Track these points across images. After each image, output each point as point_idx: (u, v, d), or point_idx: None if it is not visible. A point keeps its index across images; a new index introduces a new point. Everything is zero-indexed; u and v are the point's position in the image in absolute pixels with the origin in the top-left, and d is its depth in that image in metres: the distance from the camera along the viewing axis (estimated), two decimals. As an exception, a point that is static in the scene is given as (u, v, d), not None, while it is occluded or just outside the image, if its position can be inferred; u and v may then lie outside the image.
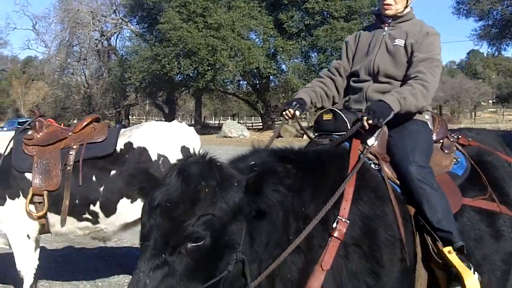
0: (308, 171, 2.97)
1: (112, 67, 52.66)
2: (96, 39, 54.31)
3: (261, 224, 2.66)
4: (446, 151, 3.58)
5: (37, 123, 5.53)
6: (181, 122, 6.36)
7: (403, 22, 3.65)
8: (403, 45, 3.54)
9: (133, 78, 43.47)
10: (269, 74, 44.89)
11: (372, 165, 3.24)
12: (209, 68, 39.73)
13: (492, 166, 3.64)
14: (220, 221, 2.46)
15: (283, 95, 44.74)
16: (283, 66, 45.26)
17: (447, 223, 3.10)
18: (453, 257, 3.02)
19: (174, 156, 5.01)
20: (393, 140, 3.35)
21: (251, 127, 51.53)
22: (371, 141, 3.27)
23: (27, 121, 5.79)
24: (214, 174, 2.54)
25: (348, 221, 2.86)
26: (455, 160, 3.55)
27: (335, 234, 2.82)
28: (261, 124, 50.08)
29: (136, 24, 52.04)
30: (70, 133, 5.55)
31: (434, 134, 3.62)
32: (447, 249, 3.04)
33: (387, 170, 3.22)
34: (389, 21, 3.68)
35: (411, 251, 3.05)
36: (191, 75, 42.99)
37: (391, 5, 3.61)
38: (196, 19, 40.30)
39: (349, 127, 3.28)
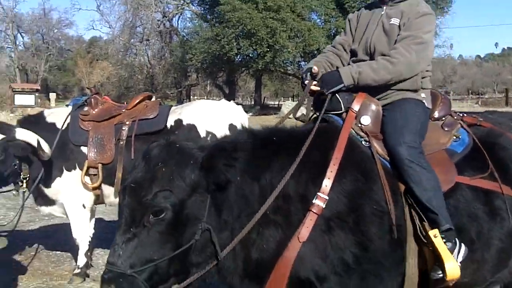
0: (293, 151, 3.06)
1: (173, 47, 53.31)
2: (158, 20, 55.01)
3: (230, 198, 2.91)
4: (446, 129, 3.54)
5: (92, 100, 5.79)
6: (229, 102, 6.50)
7: (401, 2, 3.62)
8: (398, 24, 3.53)
9: (194, 59, 43.86)
10: (330, 55, 44.44)
11: (363, 142, 3.28)
12: (268, 49, 39.66)
13: (501, 147, 3.55)
14: (179, 196, 2.78)
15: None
16: (344, 47, 44.67)
17: (436, 203, 3.10)
18: (437, 241, 3.06)
19: (222, 133, 5.15)
20: (385, 119, 3.38)
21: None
22: (365, 120, 3.33)
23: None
24: (172, 155, 2.85)
25: (328, 198, 2.94)
26: (455, 137, 3.51)
27: (313, 209, 2.93)
28: (320, 105, 49.62)
29: (197, 5, 52.41)
30: (124, 110, 5.81)
31: (436, 112, 3.60)
32: (432, 233, 3.07)
33: (377, 147, 3.25)
34: (388, 0, 3.65)
35: (402, 225, 3.09)
36: (250, 56, 43.07)
37: None
38: (256, 0, 40.20)
39: (343, 107, 3.36)
